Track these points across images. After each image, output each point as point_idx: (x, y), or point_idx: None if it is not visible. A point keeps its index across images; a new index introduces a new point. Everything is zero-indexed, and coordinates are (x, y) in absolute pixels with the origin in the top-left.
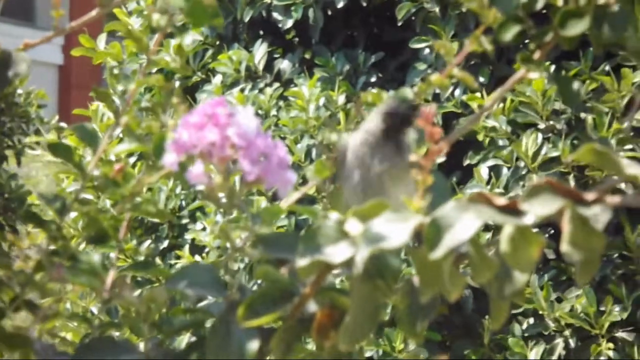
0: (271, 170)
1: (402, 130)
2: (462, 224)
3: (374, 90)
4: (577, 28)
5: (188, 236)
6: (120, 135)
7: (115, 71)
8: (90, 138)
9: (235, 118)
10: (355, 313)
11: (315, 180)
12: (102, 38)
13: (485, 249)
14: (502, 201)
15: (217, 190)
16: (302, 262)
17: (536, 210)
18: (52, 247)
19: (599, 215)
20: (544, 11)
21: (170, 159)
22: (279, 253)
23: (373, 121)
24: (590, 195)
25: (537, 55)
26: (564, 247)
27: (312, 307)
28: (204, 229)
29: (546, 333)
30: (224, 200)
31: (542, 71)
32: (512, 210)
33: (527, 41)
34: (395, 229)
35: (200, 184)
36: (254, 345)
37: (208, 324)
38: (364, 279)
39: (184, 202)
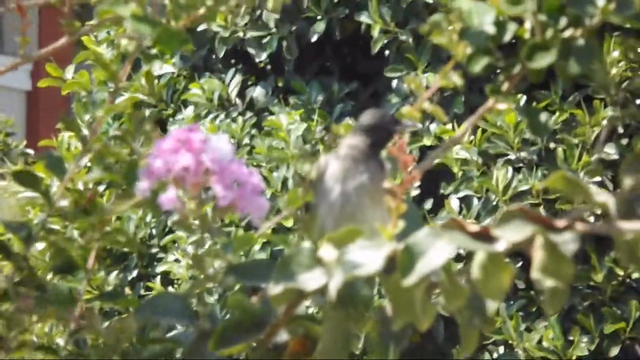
0: (245, 196)
1: (382, 143)
2: (436, 250)
3: (348, 121)
4: (543, 61)
5: (160, 268)
6: (88, 164)
7: (84, 99)
8: (57, 167)
9: (209, 143)
10: (327, 341)
11: (290, 210)
12: (70, 69)
13: (457, 276)
14: (474, 228)
15: (189, 216)
16: (275, 290)
17: (508, 236)
18: (18, 277)
19: (569, 243)
20: (514, 41)
21: (142, 186)
22: (252, 281)
23: (355, 137)
24: (561, 222)
25: (505, 86)
26: (534, 274)
27: (284, 335)
28: (177, 260)
29: None
30: (196, 226)
31: (511, 102)
32: (484, 236)
33: (497, 71)
34: (369, 256)
35: (172, 209)
36: None
37: (178, 353)
38: (336, 306)
39: (154, 231)
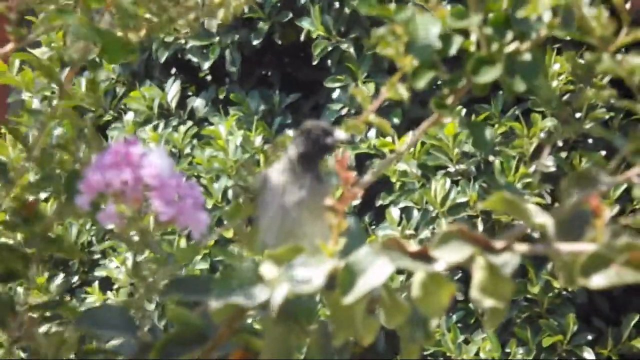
0: (185, 210)
1: (319, 155)
2: (375, 269)
3: (289, 132)
4: (489, 75)
5: (99, 272)
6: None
7: (25, 97)
8: (1, 173)
9: (148, 158)
10: (269, 355)
11: (232, 223)
12: (15, 63)
13: (397, 293)
14: (414, 247)
15: (129, 230)
16: (215, 304)
17: (446, 257)
18: None
19: (508, 263)
20: (457, 54)
21: (82, 200)
22: (193, 295)
23: (293, 151)
24: (499, 243)
25: (450, 100)
26: (474, 293)
27: (225, 349)
28: (117, 267)
29: None
30: (136, 239)
31: (455, 116)
32: (423, 256)
33: (439, 84)
34: (310, 273)
35: (111, 225)
36: None
37: None
38: (278, 321)
39: (94, 239)
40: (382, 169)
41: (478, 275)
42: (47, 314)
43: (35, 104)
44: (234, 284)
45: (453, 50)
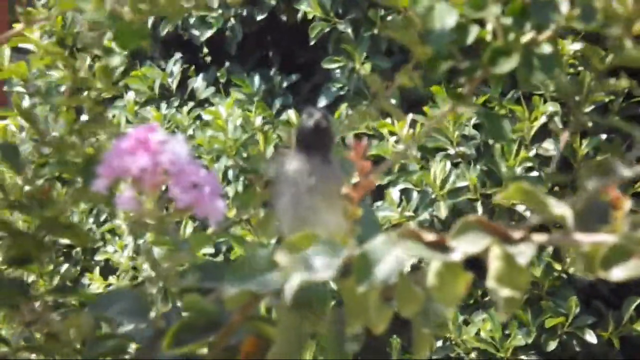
0: (203, 199)
1: (318, 143)
2: (391, 258)
3: (290, 113)
4: (506, 66)
5: (99, 257)
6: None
7: (20, 89)
8: (13, 157)
9: (168, 145)
10: (281, 342)
11: (245, 210)
12: (6, 54)
13: (412, 282)
14: (430, 237)
15: (147, 217)
16: (230, 291)
17: (464, 247)
18: None
19: (525, 253)
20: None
21: (100, 184)
22: (208, 282)
23: (295, 136)
24: (516, 234)
25: (466, 90)
26: (490, 283)
27: (238, 336)
28: (116, 251)
29: (453, 355)
30: (148, 224)
31: (471, 106)
32: (440, 246)
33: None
34: (325, 261)
35: (129, 209)
36: None
37: (130, 349)
38: (291, 309)
39: (94, 226)
40: (398, 159)
41: (495, 265)
42: (60, 300)
43: (26, 99)
44: (248, 271)
45: (469, 40)
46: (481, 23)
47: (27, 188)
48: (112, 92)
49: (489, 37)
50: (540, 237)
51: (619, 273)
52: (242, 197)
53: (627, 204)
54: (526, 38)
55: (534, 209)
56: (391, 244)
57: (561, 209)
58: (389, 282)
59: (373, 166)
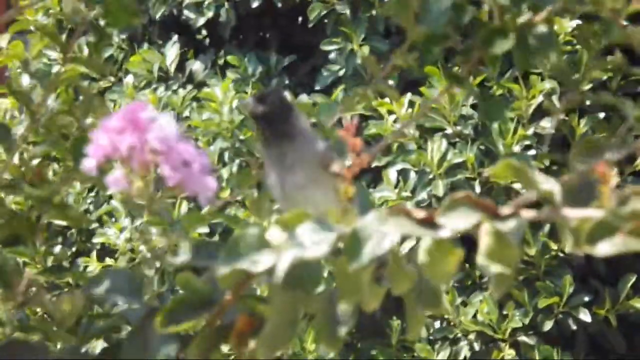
0: (192, 176)
1: (272, 119)
2: (382, 236)
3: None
4: (501, 46)
5: (96, 239)
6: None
7: (18, 70)
8: (4, 137)
9: (156, 122)
10: (274, 321)
11: (240, 190)
12: (5, 38)
13: (404, 260)
14: (421, 214)
15: (136, 196)
16: (222, 270)
17: (453, 224)
18: None
19: (515, 229)
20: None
21: (89, 164)
22: (201, 261)
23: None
24: (506, 210)
25: (463, 71)
26: (480, 259)
27: (231, 315)
28: (114, 233)
29: (451, 336)
30: (142, 205)
31: (468, 87)
32: (430, 223)
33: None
34: (317, 239)
35: (118, 189)
36: (171, 351)
37: (124, 330)
38: (284, 287)
39: (91, 207)
40: (390, 140)
41: (484, 241)
42: (54, 281)
43: (25, 78)
44: (241, 249)
45: (465, 21)
46: (477, 4)
47: (20, 168)
48: (103, 72)
49: (485, 19)
50: (528, 213)
51: (604, 248)
52: (237, 177)
53: (614, 179)
54: (523, 19)
55: (523, 186)
56: (382, 221)
57: (549, 185)
58: (380, 260)
59: (373, 145)
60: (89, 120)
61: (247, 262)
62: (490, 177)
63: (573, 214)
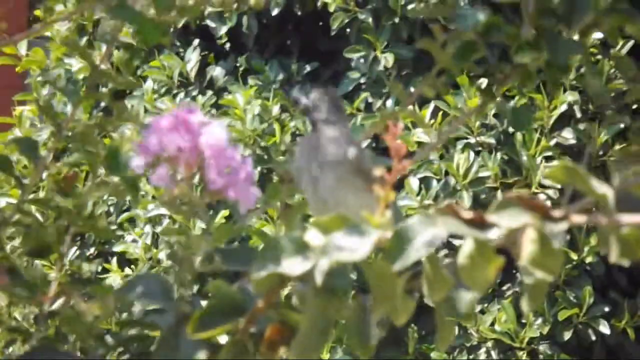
0: (236, 184)
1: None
2: (427, 236)
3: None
4: (531, 55)
5: (117, 247)
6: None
7: (39, 78)
8: (31, 150)
9: (208, 127)
10: (307, 329)
11: (271, 204)
12: (24, 44)
13: (441, 267)
14: (468, 214)
15: (179, 197)
16: (258, 274)
17: (504, 222)
18: None
19: (559, 235)
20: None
21: (137, 162)
22: (236, 265)
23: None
24: (557, 212)
25: (496, 89)
26: (523, 264)
27: (262, 323)
28: (134, 240)
29: (469, 344)
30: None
31: (502, 104)
32: (478, 223)
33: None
34: (356, 242)
35: (163, 186)
36: (202, 358)
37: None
38: (318, 293)
39: (111, 209)
40: (429, 151)
41: (528, 247)
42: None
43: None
44: (276, 254)
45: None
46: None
47: (47, 179)
48: (131, 86)
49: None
50: (580, 217)
51: None
52: (267, 192)
53: None
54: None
55: (577, 189)
56: (429, 222)
57: (603, 188)
58: (414, 271)
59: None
60: (119, 132)
61: (283, 266)
62: (507, 182)
63: (627, 219)
